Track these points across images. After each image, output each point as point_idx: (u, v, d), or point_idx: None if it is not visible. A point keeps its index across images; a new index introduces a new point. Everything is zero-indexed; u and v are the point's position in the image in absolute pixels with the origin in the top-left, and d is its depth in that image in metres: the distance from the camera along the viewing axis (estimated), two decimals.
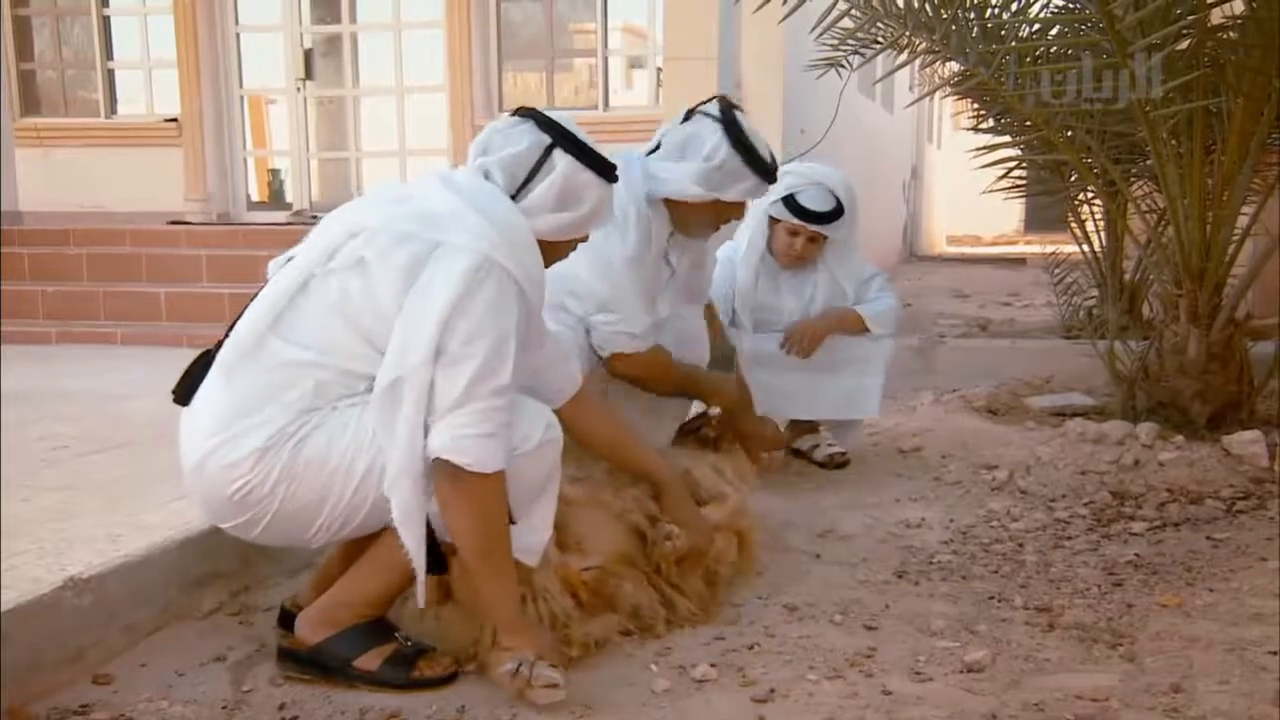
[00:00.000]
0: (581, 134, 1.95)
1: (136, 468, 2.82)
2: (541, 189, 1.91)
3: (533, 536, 1.95)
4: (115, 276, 6.16)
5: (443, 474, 1.78)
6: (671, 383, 2.69)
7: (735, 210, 2.62)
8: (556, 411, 2.04)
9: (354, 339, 1.83)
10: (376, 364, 1.80)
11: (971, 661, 1.98)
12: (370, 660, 1.91)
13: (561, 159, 1.91)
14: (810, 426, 3.58)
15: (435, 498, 1.81)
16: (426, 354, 1.75)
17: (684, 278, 2.72)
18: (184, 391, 1.92)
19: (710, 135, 2.48)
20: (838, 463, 3.46)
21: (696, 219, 2.57)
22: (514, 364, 1.81)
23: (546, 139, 1.92)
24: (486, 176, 1.92)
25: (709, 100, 2.56)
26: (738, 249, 3.32)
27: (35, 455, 2.97)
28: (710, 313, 3.00)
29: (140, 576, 2.07)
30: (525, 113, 1.96)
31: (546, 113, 1.96)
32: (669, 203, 2.53)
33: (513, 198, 1.90)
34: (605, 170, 1.96)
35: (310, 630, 1.94)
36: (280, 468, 1.80)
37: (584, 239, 2.08)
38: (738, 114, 2.52)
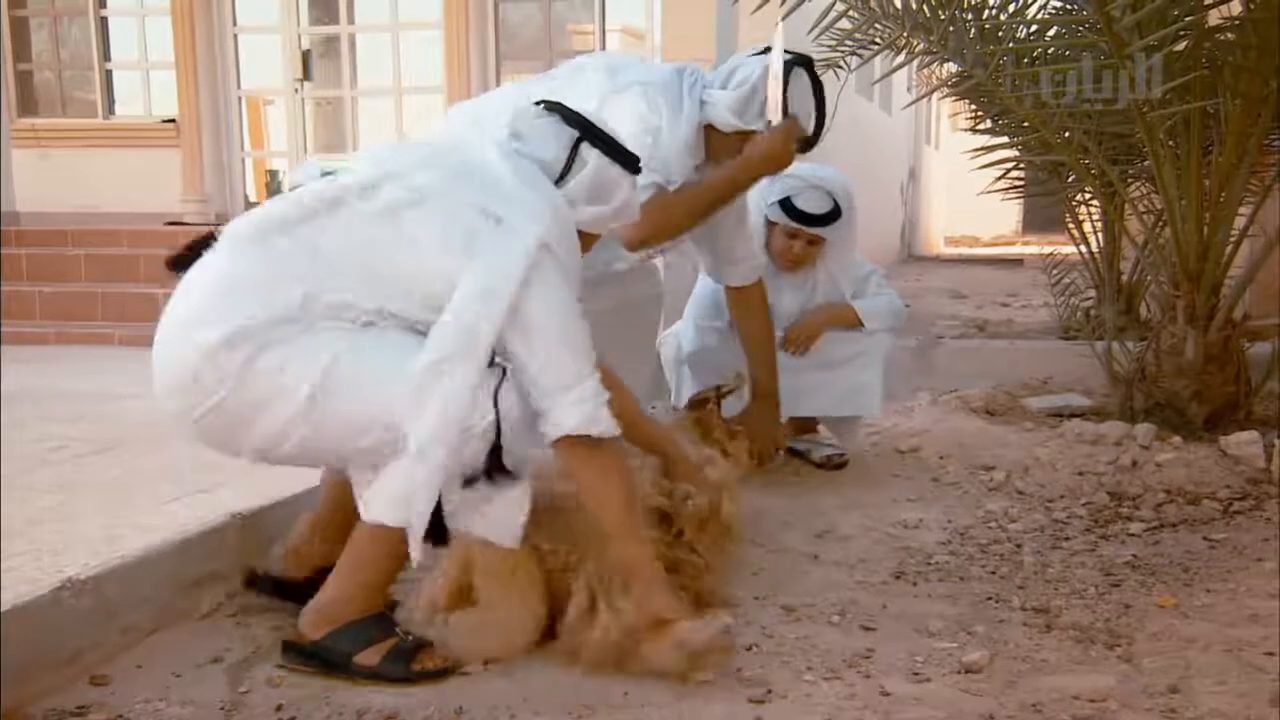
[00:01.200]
0: (605, 127, 2.00)
1: (134, 468, 2.82)
2: (576, 181, 1.96)
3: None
4: (113, 277, 6.16)
5: (577, 450, 1.86)
6: (687, 213, 2.65)
7: None
8: None
9: (361, 276, 1.84)
10: (371, 302, 1.83)
11: (969, 662, 1.98)
12: (370, 655, 1.92)
13: (590, 153, 1.97)
14: (809, 427, 3.58)
15: (568, 476, 1.91)
16: (490, 335, 1.78)
17: None
18: (181, 262, 1.90)
19: (754, 67, 2.58)
20: (836, 463, 3.46)
21: (725, 151, 2.65)
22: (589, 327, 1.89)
23: (573, 133, 1.97)
24: None
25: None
26: None
27: (33, 456, 2.96)
28: (760, 292, 3.06)
29: (138, 578, 2.06)
30: (552, 107, 2.00)
31: (572, 108, 2.01)
32: (707, 129, 2.62)
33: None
34: (629, 163, 2.01)
35: (311, 626, 1.95)
36: (233, 365, 1.78)
37: (596, 237, 2.12)
38: (799, 69, 2.58)
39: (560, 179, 1.96)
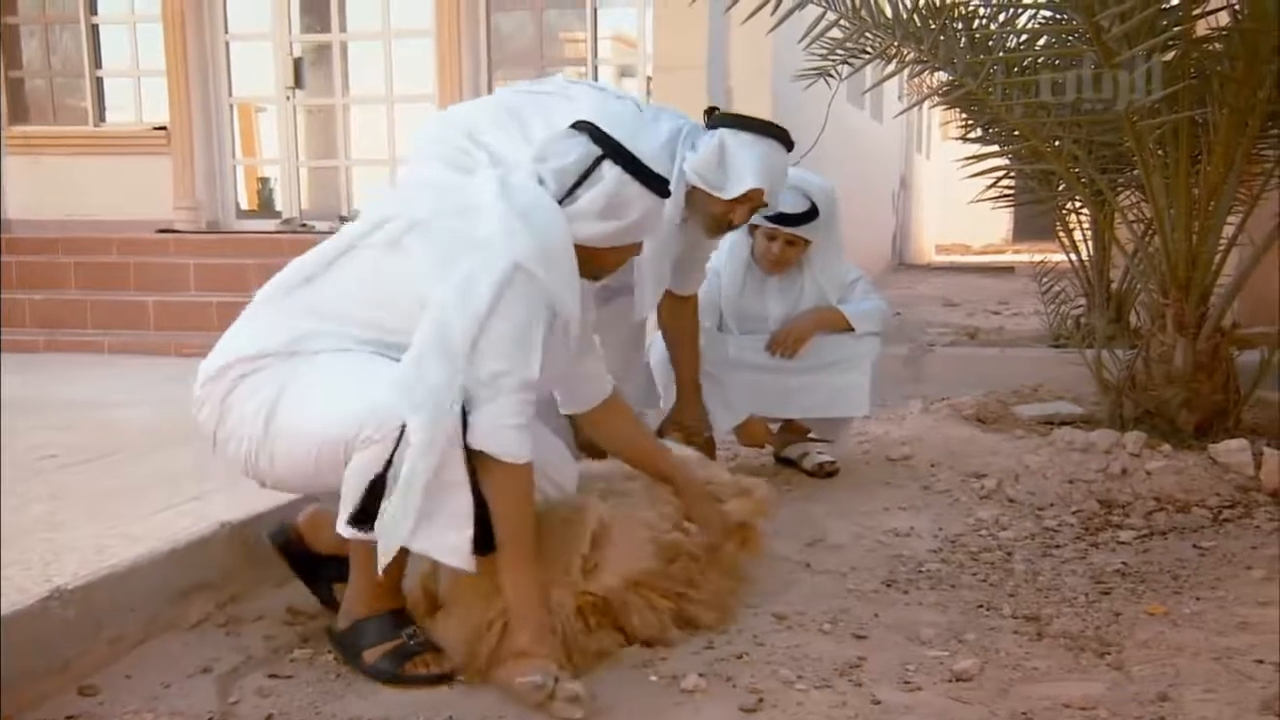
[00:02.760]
0: (636, 151, 2.03)
1: (124, 477, 2.81)
2: (588, 197, 2.00)
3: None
4: (103, 285, 6.15)
5: (483, 461, 1.86)
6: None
7: (733, 212, 2.80)
8: (587, 416, 2.27)
9: (366, 304, 1.95)
10: (370, 332, 1.93)
11: (960, 670, 1.98)
12: (373, 654, 1.96)
13: (610, 170, 2.00)
14: (799, 434, 3.59)
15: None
16: (461, 347, 1.82)
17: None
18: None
19: (718, 136, 2.73)
20: (827, 471, 3.47)
21: (702, 205, 2.80)
22: (541, 362, 1.90)
23: (597, 151, 2.01)
24: (541, 181, 2.02)
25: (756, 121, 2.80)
26: (720, 257, 3.35)
27: (23, 465, 2.95)
28: (693, 301, 3.17)
29: (126, 587, 2.06)
30: (581, 125, 2.05)
31: (602, 128, 2.05)
32: (690, 186, 2.77)
33: (560, 202, 2.00)
34: (656, 184, 2.04)
35: (340, 616, 2.05)
36: (214, 399, 1.95)
37: (636, 250, 2.17)
38: (739, 131, 2.74)
39: (571, 191, 2.00)
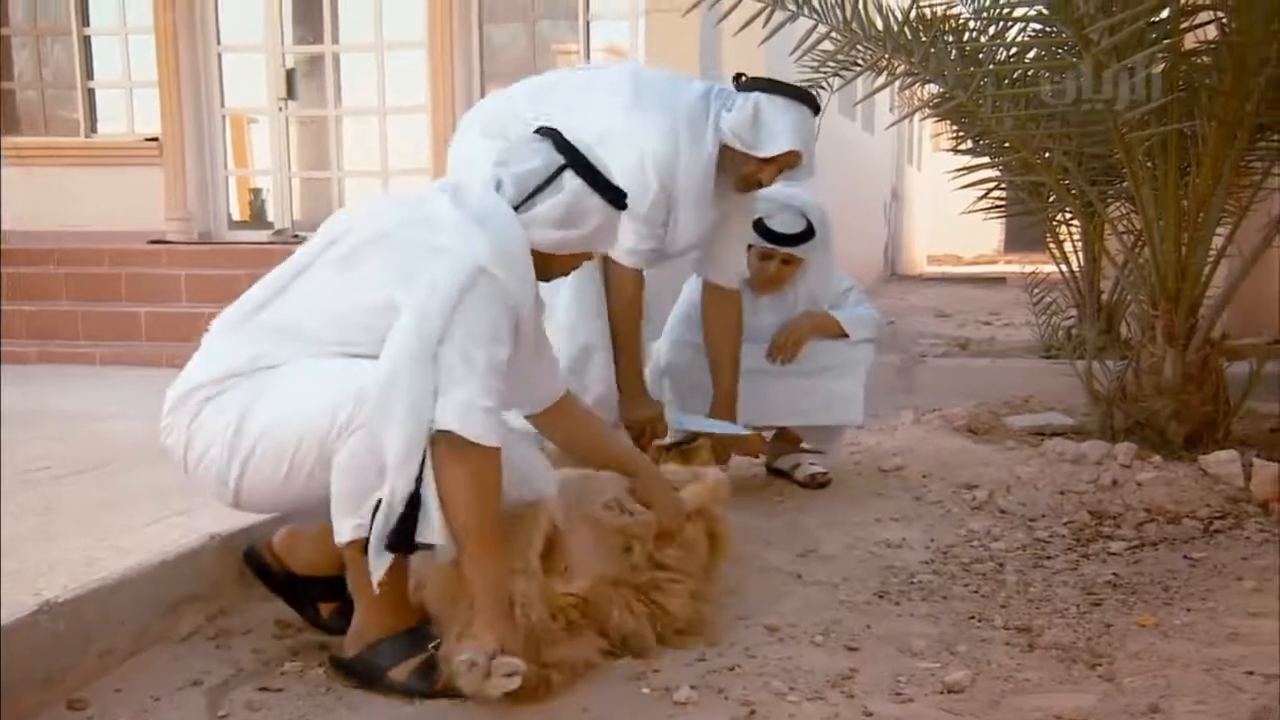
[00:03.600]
0: (598, 162, 2.04)
1: (114, 490, 2.80)
2: (547, 205, 2.00)
3: None
4: (95, 296, 6.13)
5: (446, 446, 1.81)
6: (619, 320, 2.91)
7: (763, 172, 2.85)
8: (541, 417, 2.23)
9: (321, 318, 1.93)
10: (332, 349, 1.91)
11: (952, 682, 1.98)
12: (401, 671, 1.95)
13: (571, 181, 2.00)
14: (792, 444, 3.59)
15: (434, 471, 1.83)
16: (428, 350, 1.80)
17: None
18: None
19: (753, 98, 2.80)
20: (819, 482, 3.47)
21: (735, 165, 2.84)
22: (508, 353, 1.90)
23: (560, 159, 2.00)
24: (499, 186, 2.01)
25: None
26: None
27: (14, 476, 2.94)
28: (736, 302, 3.16)
29: (116, 600, 2.05)
30: (546, 132, 2.05)
31: (566, 136, 2.04)
32: (723, 145, 2.82)
33: (517, 208, 1.99)
34: (615, 197, 2.05)
35: (348, 644, 2.01)
36: (180, 425, 1.94)
37: (588, 256, 2.20)
38: (773, 95, 2.80)
39: (530, 197, 1.99)
